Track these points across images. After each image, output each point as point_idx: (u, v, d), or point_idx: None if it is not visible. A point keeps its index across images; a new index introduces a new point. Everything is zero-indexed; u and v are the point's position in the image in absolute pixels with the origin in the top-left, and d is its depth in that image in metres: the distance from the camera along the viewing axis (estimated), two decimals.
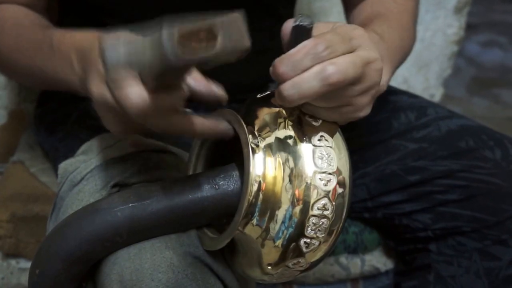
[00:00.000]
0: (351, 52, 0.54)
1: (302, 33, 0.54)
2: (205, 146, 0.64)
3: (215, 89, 0.59)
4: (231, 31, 0.46)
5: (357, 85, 0.55)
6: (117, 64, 0.47)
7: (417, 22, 0.85)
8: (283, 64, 0.53)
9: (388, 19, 0.76)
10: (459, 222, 0.80)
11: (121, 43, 0.46)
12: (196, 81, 0.58)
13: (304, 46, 0.53)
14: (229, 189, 0.59)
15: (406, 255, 0.88)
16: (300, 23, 0.53)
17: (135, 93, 0.51)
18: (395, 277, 0.94)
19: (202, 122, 0.57)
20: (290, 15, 0.96)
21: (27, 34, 0.74)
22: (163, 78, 0.51)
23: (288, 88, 0.54)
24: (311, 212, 0.55)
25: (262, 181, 0.55)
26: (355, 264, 0.95)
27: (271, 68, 0.54)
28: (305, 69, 0.53)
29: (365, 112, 0.59)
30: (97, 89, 0.56)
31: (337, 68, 0.53)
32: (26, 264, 0.92)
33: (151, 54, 0.46)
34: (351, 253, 0.94)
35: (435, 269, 0.82)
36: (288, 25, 0.55)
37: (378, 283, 0.97)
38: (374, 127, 0.86)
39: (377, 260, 0.96)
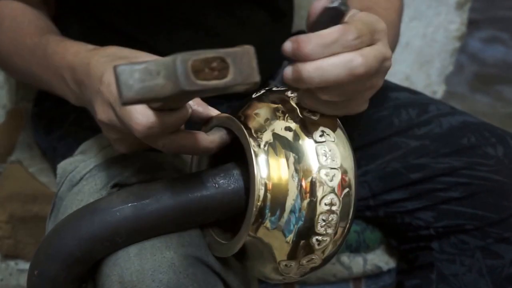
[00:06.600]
0: (373, 44, 0.54)
1: (334, 17, 0.52)
2: None
3: (212, 112, 0.61)
4: (243, 63, 0.47)
5: (369, 79, 0.54)
6: (131, 90, 0.48)
7: (401, 21, 0.84)
8: (310, 43, 0.51)
9: (377, 14, 0.76)
10: (461, 220, 0.80)
11: (136, 69, 0.47)
12: (195, 102, 0.60)
13: (336, 30, 0.51)
14: (230, 188, 0.59)
15: (408, 254, 0.88)
16: (337, 5, 0.51)
17: (141, 113, 0.52)
18: (397, 276, 0.94)
19: (204, 138, 0.58)
20: (289, 10, 0.95)
21: (24, 38, 0.74)
22: (170, 101, 0.51)
23: (311, 70, 0.51)
24: (319, 209, 0.55)
25: (267, 182, 0.55)
26: (357, 263, 0.95)
27: (288, 44, 0.52)
28: (332, 54, 0.51)
29: (364, 107, 0.58)
30: (103, 111, 0.58)
31: (365, 60, 0.51)
32: (25, 265, 0.92)
33: (163, 78, 0.47)
34: (353, 252, 0.94)
35: (437, 267, 0.82)
36: (319, 5, 0.52)
37: (380, 282, 0.97)
38: (375, 124, 0.85)
39: (379, 259, 0.95)
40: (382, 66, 0.55)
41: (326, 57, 0.51)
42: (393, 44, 0.78)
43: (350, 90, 0.54)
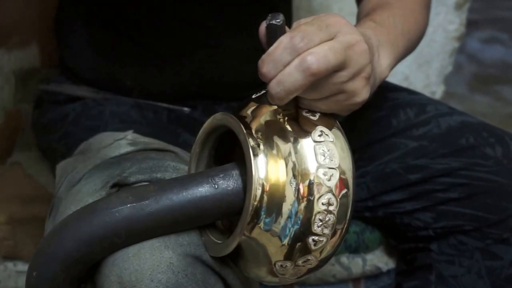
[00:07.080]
0: (330, 39, 0.54)
1: (276, 31, 0.54)
2: (207, 145, 0.64)
3: None
4: None
5: (343, 70, 0.55)
6: None
7: (430, 6, 0.84)
8: (264, 63, 0.54)
9: (391, 7, 0.76)
10: (460, 221, 0.79)
11: None
12: None
13: (281, 41, 0.54)
14: (229, 188, 0.59)
15: (407, 255, 0.88)
16: (271, 22, 0.54)
17: None
18: (396, 277, 0.93)
19: None
20: (289, 12, 0.95)
21: None
22: None
23: (274, 87, 0.54)
24: (316, 208, 0.55)
25: (265, 183, 0.55)
26: (357, 264, 0.94)
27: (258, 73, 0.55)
28: (286, 64, 0.53)
29: (363, 97, 0.58)
30: None
31: (316, 57, 0.53)
32: (24, 267, 0.92)
33: None
34: (352, 252, 0.94)
35: (436, 268, 0.82)
36: (262, 28, 0.56)
37: (379, 283, 0.97)
38: (374, 125, 0.85)
39: (379, 260, 0.95)
40: (350, 53, 0.55)
41: (282, 69, 0.53)
42: (415, 29, 0.79)
43: (327, 85, 0.55)
